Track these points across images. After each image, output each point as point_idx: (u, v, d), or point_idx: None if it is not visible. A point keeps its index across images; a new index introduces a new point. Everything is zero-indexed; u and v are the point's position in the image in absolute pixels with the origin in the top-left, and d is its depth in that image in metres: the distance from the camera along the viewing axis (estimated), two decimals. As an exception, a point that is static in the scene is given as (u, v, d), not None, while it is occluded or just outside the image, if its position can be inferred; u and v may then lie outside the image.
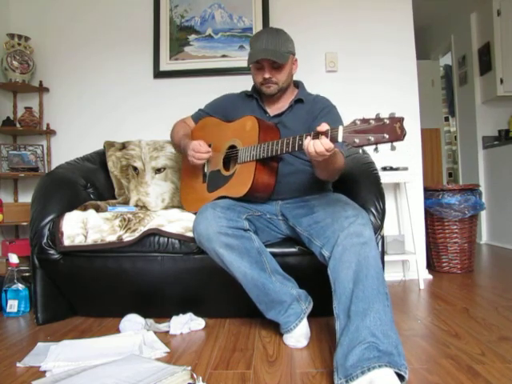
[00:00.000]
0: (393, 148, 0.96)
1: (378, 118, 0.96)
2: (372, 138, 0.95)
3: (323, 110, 1.53)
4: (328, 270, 1.18)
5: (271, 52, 1.45)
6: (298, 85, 1.66)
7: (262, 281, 1.33)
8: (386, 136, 0.94)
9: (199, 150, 1.52)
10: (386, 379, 0.96)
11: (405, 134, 0.93)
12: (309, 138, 1.10)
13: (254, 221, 1.44)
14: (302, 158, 1.51)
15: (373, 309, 1.05)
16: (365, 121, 0.97)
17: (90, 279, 1.63)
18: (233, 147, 1.54)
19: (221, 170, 1.56)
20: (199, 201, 1.60)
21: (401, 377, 0.98)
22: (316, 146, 1.07)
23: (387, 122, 0.94)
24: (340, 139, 1.01)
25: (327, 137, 1.05)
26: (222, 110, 1.72)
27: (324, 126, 1.07)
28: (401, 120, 0.93)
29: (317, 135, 1.08)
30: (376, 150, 0.98)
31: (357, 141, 0.98)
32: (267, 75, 1.49)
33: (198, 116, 1.79)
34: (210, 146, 1.63)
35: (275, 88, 1.52)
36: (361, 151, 1.00)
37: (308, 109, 1.56)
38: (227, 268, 1.35)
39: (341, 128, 1.02)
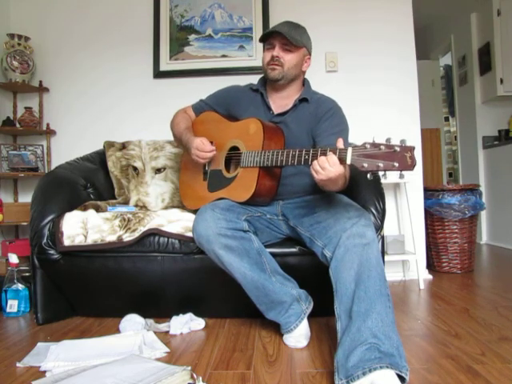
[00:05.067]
0: (401, 176, 0.95)
1: (388, 145, 0.94)
2: (381, 165, 0.94)
3: (327, 112, 1.49)
4: (329, 271, 1.18)
5: (286, 31, 1.44)
6: (303, 83, 1.61)
7: (261, 282, 1.33)
8: (396, 164, 0.92)
9: (203, 149, 1.49)
10: (387, 380, 0.96)
11: (415, 165, 0.92)
12: (315, 161, 1.08)
13: (254, 221, 1.44)
14: None
15: (374, 310, 1.05)
16: (375, 145, 0.96)
17: (90, 279, 1.63)
18: (235, 148, 1.52)
19: (222, 171, 1.55)
20: (199, 199, 1.59)
21: (401, 378, 0.98)
22: (322, 164, 1.05)
23: (398, 149, 0.92)
24: (349, 161, 1.00)
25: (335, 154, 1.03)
26: (225, 103, 1.67)
27: (339, 142, 1.04)
28: (412, 149, 0.92)
29: (324, 152, 1.06)
30: (384, 175, 0.97)
31: (365, 165, 0.96)
32: (276, 53, 1.45)
33: (200, 108, 1.73)
34: (211, 144, 1.61)
35: (280, 71, 1.47)
36: (368, 176, 0.98)
37: (312, 110, 1.51)
38: (227, 269, 1.35)
39: (350, 150, 1.00)
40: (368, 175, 0.97)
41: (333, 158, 1.04)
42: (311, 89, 1.60)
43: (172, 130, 1.73)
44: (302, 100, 1.53)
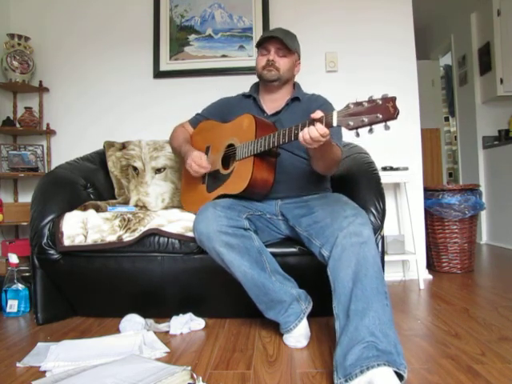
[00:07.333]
0: (387, 128, 0.98)
1: (370, 100, 0.97)
2: (366, 119, 0.97)
3: (320, 107, 1.52)
4: (327, 270, 1.18)
5: (281, 36, 1.54)
6: (294, 86, 1.70)
7: (261, 280, 1.33)
8: (380, 116, 0.95)
9: (200, 164, 1.52)
10: (385, 378, 0.96)
11: (398, 113, 0.95)
12: (304, 127, 1.14)
13: (255, 220, 1.44)
14: (301, 156, 1.52)
15: (372, 308, 1.05)
16: (358, 104, 0.99)
17: (90, 279, 1.63)
18: (231, 146, 1.55)
19: (220, 170, 1.56)
20: (199, 201, 1.60)
21: (400, 376, 0.98)
22: (311, 132, 1.11)
23: (380, 102, 0.96)
24: (335, 123, 1.04)
25: (322, 123, 1.08)
26: (219, 112, 1.74)
27: (318, 113, 1.10)
28: (393, 99, 0.95)
29: (312, 123, 1.11)
30: (371, 130, 1.00)
31: (351, 123, 1.00)
32: (271, 57, 1.56)
33: (196, 121, 1.80)
34: (208, 148, 1.66)
35: (276, 74, 1.57)
36: (354, 134, 1.01)
37: (304, 107, 1.57)
38: (227, 267, 1.35)
39: (335, 113, 1.05)
40: (354, 134, 1.01)
41: (319, 125, 1.09)
42: (301, 90, 1.70)
43: (171, 144, 1.81)
44: (294, 99, 1.62)
